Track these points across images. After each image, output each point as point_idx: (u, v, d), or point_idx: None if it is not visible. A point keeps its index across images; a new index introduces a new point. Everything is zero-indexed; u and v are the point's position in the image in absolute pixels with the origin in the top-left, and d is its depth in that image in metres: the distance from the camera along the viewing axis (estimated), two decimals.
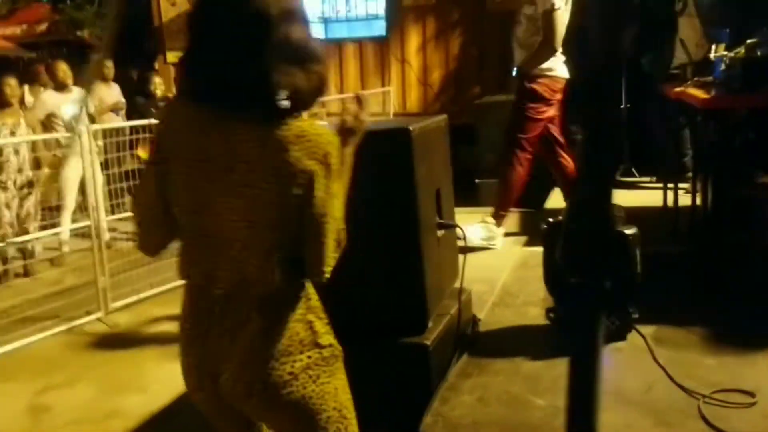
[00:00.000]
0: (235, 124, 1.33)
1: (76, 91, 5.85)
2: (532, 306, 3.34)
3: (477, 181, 5.85)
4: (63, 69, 5.80)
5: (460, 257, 3.08)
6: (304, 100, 1.35)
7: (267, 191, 1.32)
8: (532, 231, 4.68)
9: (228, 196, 1.35)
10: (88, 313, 4.20)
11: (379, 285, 2.60)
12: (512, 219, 5.03)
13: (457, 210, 3.08)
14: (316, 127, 1.36)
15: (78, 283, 4.71)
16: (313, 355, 1.43)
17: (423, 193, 2.65)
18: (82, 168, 4.60)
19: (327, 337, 1.48)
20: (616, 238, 2.88)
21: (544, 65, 4.30)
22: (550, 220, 3.08)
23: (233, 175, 1.33)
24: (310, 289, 1.46)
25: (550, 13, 4.13)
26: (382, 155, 2.53)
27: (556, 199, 5.29)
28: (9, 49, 10.04)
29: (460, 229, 2.92)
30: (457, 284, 3.01)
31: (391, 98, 8.00)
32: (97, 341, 3.92)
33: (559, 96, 4.41)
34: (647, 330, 2.83)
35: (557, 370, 2.58)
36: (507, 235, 4.68)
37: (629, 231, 2.94)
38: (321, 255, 1.38)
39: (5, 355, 3.67)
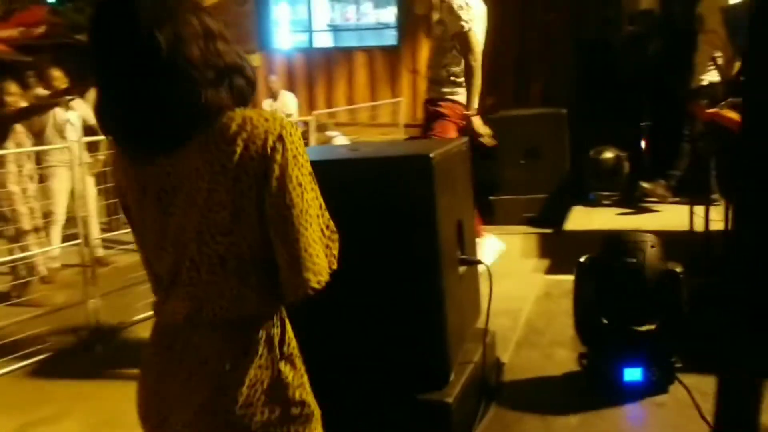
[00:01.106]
0: (177, 141, 1.18)
1: (75, 102, 5.57)
2: (561, 347, 3.06)
3: (492, 197, 5.58)
4: (57, 77, 5.57)
5: (481, 290, 2.83)
6: (238, 96, 1.20)
7: (218, 193, 1.16)
8: (553, 255, 4.42)
9: (181, 215, 1.19)
10: (78, 336, 3.93)
11: (394, 330, 2.33)
12: (530, 241, 4.76)
13: None
14: (263, 112, 1.20)
15: (69, 302, 4.44)
16: (277, 411, 1.22)
17: (444, 226, 2.39)
18: (72, 180, 4.37)
19: (299, 392, 1.26)
20: (665, 276, 2.62)
21: (447, 90, 3.96)
22: (587, 257, 2.78)
23: (183, 187, 1.18)
24: (288, 332, 1.26)
25: (464, 35, 3.78)
26: (399, 184, 2.28)
27: (576, 219, 5.01)
28: (5, 53, 9.75)
29: (485, 266, 2.63)
30: (479, 324, 2.74)
31: (401, 109, 7.74)
32: (87, 369, 3.65)
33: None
34: (691, 380, 2.55)
35: (592, 429, 2.29)
36: (525, 257, 4.41)
37: (677, 267, 2.67)
38: (295, 263, 1.16)
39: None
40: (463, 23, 3.75)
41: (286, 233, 1.15)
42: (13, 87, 5.03)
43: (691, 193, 4.48)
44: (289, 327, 1.27)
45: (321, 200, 1.21)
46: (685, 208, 4.37)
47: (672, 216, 4.71)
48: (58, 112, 5.37)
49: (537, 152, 5.48)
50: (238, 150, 1.14)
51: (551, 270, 4.13)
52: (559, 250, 4.47)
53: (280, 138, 1.15)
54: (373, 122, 7.72)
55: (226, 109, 1.16)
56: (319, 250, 1.17)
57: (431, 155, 2.24)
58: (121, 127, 1.18)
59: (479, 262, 2.69)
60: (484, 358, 2.59)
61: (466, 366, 2.46)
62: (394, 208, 2.28)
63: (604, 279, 2.72)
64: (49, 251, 4.93)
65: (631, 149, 5.35)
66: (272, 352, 1.21)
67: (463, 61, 3.87)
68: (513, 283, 3.87)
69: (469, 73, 3.77)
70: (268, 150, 1.14)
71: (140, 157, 1.19)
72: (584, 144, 5.52)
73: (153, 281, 1.30)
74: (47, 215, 5.10)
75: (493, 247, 4.27)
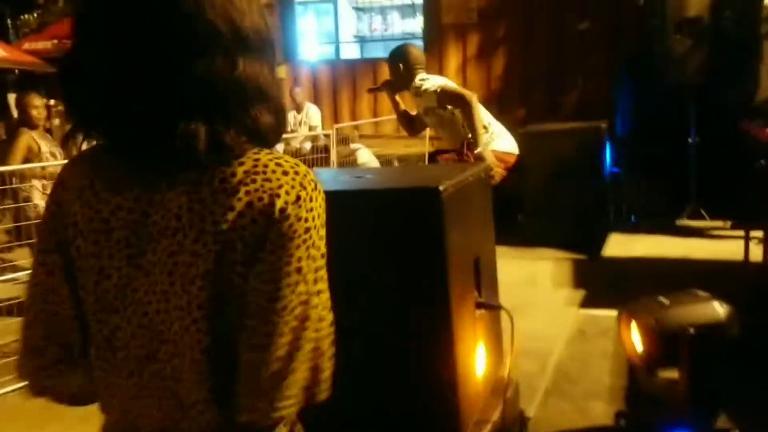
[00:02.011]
0: (160, 174, 0.88)
1: None
2: (597, 399, 2.68)
3: (520, 217, 5.21)
4: None
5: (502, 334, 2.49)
6: (257, 139, 0.88)
7: (201, 259, 0.85)
8: (589, 285, 4.03)
9: (155, 275, 0.87)
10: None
11: (397, 384, 2.02)
12: (562, 267, 4.38)
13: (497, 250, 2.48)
14: (283, 160, 0.88)
15: None
16: None
17: (456, 266, 2.07)
18: None
19: None
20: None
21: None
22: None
23: (160, 241, 0.87)
24: None
25: (443, 92, 3.67)
26: (404, 220, 1.98)
27: (615, 244, 4.61)
28: (37, 65, 9.85)
29: (507, 312, 2.28)
30: (501, 372, 2.40)
31: None
32: None
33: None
34: None
35: None
36: (556, 287, 4.04)
37: (722, 309, 2.29)
38: (253, 381, 0.86)
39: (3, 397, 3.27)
40: (434, 87, 3.69)
41: (259, 332, 0.85)
42: (36, 100, 5.03)
43: (747, 219, 4.04)
44: (299, 428, 0.96)
45: (326, 296, 0.89)
46: (740, 235, 3.94)
47: (724, 244, 4.29)
48: None
49: (571, 169, 5.11)
50: (239, 206, 0.84)
51: (587, 303, 3.74)
52: (596, 279, 4.09)
53: (297, 201, 0.85)
54: (398, 134, 7.43)
55: (239, 147, 0.86)
56: (299, 371, 0.86)
57: (440, 188, 1.91)
58: (112, 117, 0.86)
59: (499, 307, 2.34)
60: (504, 415, 2.25)
61: (482, 426, 2.15)
62: (399, 246, 1.99)
63: None
64: None
65: (677, 169, 4.93)
66: None
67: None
68: (541, 318, 3.50)
69: (468, 115, 3.64)
70: (276, 213, 0.84)
71: (112, 176, 0.89)
72: (624, 161, 5.13)
73: (72, 346, 0.94)
74: None
75: None
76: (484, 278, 2.31)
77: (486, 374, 2.39)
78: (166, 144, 0.84)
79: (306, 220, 0.85)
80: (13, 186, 4.52)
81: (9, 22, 13.43)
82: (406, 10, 8.13)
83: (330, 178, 2.62)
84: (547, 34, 7.00)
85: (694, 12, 4.92)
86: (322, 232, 0.88)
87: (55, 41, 11.47)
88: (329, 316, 0.90)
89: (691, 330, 2.27)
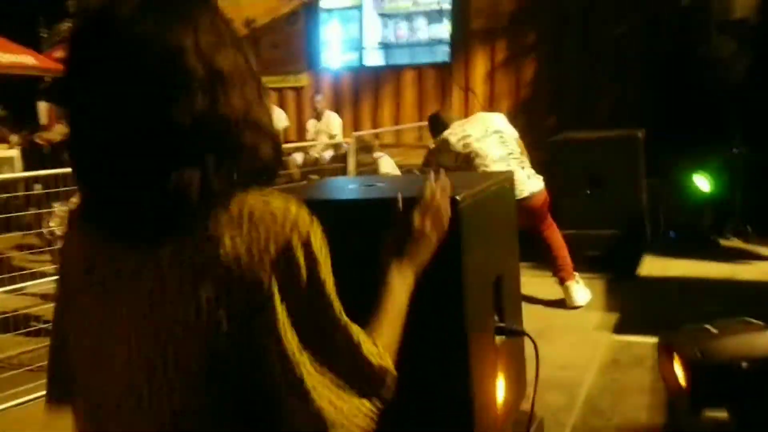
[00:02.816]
0: (143, 228, 0.82)
1: None
2: None
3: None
4: None
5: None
6: (249, 181, 0.82)
7: (189, 322, 0.77)
8: (623, 308, 3.72)
9: (117, 338, 0.82)
10: None
11: (409, 418, 1.76)
12: (594, 288, 4.07)
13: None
14: (275, 198, 0.81)
15: None
16: None
17: (474, 286, 1.82)
18: None
19: None
20: None
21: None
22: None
23: (136, 295, 0.81)
24: None
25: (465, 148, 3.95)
26: None
27: (652, 263, 4.29)
28: (60, 72, 10.08)
29: (530, 339, 2.01)
30: (524, 405, 2.15)
31: None
32: None
33: None
34: None
35: None
36: (587, 309, 3.75)
37: None
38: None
39: (5, 412, 3.17)
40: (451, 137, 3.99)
41: (284, 390, 0.79)
42: (51, 110, 5.02)
43: None
44: None
45: (354, 329, 0.85)
46: None
47: None
48: None
49: (605, 180, 4.80)
50: (223, 258, 0.77)
51: (621, 329, 3.44)
52: (630, 301, 3.79)
53: (287, 249, 0.78)
54: (419, 144, 7.21)
55: (227, 189, 0.80)
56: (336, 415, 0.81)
57: (457, 197, 1.66)
58: (92, 181, 0.84)
59: (522, 332, 2.08)
60: None
61: None
62: None
63: None
64: None
65: (720, 181, 4.59)
66: None
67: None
68: (570, 344, 3.21)
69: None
70: (267, 265, 0.77)
71: (110, 223, 0.83)
72: (662, 172, 4.80)
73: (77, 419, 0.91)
74: None
75: (583, 295, 3.80)
76: (505, 300, 2.05)
77: (506, 408, 2.14)
78: (154, 196, 0.78)
79: (302, 266, 0.79)
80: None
81: (42, 31, 13.75)
82: (433, 16, 7.92)
83: (340, 186, 2.39)
84: (579, 38, 6.71)
85: (740, 13, 4.61)
86: (325, 268, 0.82)
87: None
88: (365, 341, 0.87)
89: (744, 364, 1.99)
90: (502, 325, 2.01)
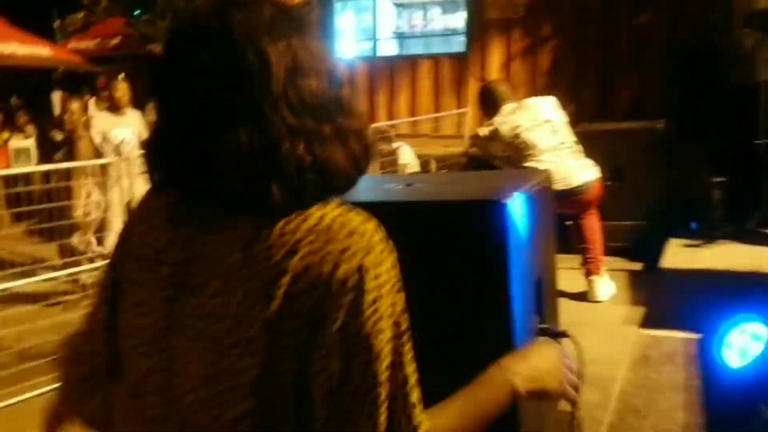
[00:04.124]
0: (216, 218, 0.80)
1: (131, 114, 5.48)
2: None
3: (567, 223, 4.88)
4: (121, 89, 5.41)
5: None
6: (335, 179, 0.81)
7: (247, 326, 0.76)
8: (649, 302, 3.71)
9: (178, 331, 0.80)
10: None
11: None
12: (618, 280, 4.06)
13: None
14: (350, 218, 0.79)
15: None
16: None
17: (520, 290, 1.80)
18: (130, 194, 4.37)
19: None
20: None
21: None
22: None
23: (193, 296, 0.79)
24: None
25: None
26: (463, 236, 1.72)
27: (675, 255, 4.26)
28: (80, 64, 10.04)
29: (572, 339, 2.00)
30: (563, 405, 2.13)
31: (467, 120, 7.14)
32: None
33: None
34: None
35: None
36: (613, 303, 3.74)
37: None
38: None
39: (27, 402, 3.19)
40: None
41: (333, 421, 0.75)
42: (74, 105, 5.06)
43: None
44: None
45: (409, 372, 0.80)
46: None
47: None
48: (114, 125, 5.31)
49: (626, 172, 4.77)
50: (295, 269, 0.75)
51: (648, 322, 3.42)
52: (656, 295, 3.77)
53: (359, 270, 0.76)
54: (436, 134, 7.16)
55: (310, 197, 0.79)
56: None
57: (506, 201, 1.65)
58: (171, 164, 0.83)
59: (564, 334, 2.07)
60: None
61: None
62: (456, 266, 1.73)
63: None
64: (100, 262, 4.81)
65: (743, 173, 4.55)
66: None
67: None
68: (599, 339, 3.19)
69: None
70: (334, 285, 0.75)
71: (181, 211, 0.84)
72: (684, 163, 4.76)
73: (119, 407, 0.88)
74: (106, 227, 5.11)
75: (607, 291, 3.81)
76: (545, 303, 2.04)
77: (547, 407, 2.14)
78: (236, 183, 0.77)
79: (369, 292, 0.76)
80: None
81: (56, 22, 13.72)
82: (448, 5, 7.84)
83: (376, 185, 2.36)
84: (598, 28, 6.63)
85: (765, 3, 4.55)
86: (393, 298, 0.78)
87: (99, 40, 11.73)
88: (405, 390, 0.78)
89: None
90: (544, 327, 2.01)
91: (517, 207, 1.70)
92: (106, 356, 0.90)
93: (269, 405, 0.76)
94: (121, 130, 5.28)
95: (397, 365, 0.78)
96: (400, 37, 8.27)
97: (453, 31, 7.65)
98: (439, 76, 7.58)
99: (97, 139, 5.25)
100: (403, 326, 0.80)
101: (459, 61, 7.45)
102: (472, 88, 7.38)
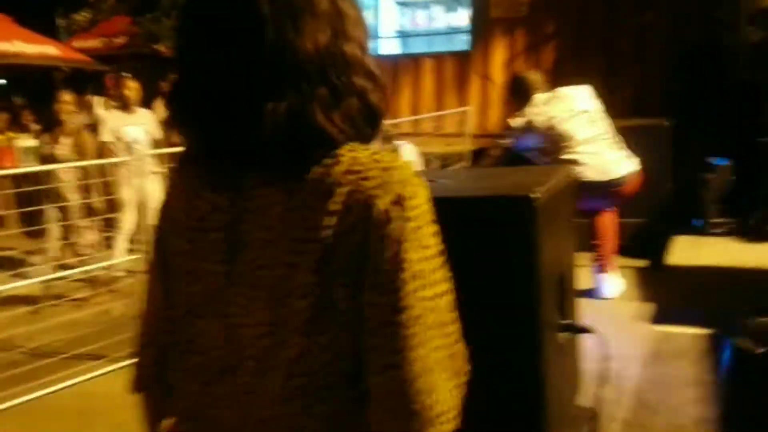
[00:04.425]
0: (253, 175, 0.84)
1: (142, 113, 5.48)
2: None
3: (574, 221, 4.90)
4: (131, 87, 5.39)
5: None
6: (357, 127, 0.84)
7: (298, 271, 0.79)
8: (658, 298, 3.73)
9: (239, 286, 0.84)
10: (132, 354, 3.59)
11: (480, 415, 1.77)
12: (626, 277, 4.08)
13: None
14: (382, 156, 0.82)
15: (127, 312, 4.10)
16: None
17: (545, 285, 1.82)
18: (141, 192, 4.42)
19: None
20: None
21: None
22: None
23: (248, 251, 0.83)
24: None
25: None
26: (490, 232, 1.73)
27: (680, 252, 4.28)
28: (86, 63, 10.01)
29: (598, 334, 2.02)
30: (581, 401, 2.17)
31: (469, 119, 7.16)
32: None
33: None
34: None
35: None
36: (623, 299, 3.75)
37: None
38: (396, 400, 0.78)
39: (39, 400, 3.17)
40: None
41: (387, 349, 0.78)
42: (67, 96, 5.03)
43: None
44: None
45: (452, 296, 0.83)
46: None
47: None
48: (125, 123, 5.30)
49: None
50: (336, 210, 0.79)
51: (658, 319, 3.45)
52: (664, 291, 3.79)
53: (399, 200, 0.79)
54: (438, 132, 7.17)
55: (334, 144, 0.81)
56: (440, 382, 0.79)
57: (533, 196, 1.66)
58: (198, 123, 0.85)
59: (586, 329, 2.09)
60: None
61: None
62: (484, 261, 1.74)
63: None
64: (111, 260, 4.82)
65: (748, 168, 4.58)
66: None
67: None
68: (610, 335, 3.19)
69: None
70: (377, 217, 0.78)
71: (213, 177, 0.86)
72: (688, 161, 4.79)
73: (174, 365, 0.93)
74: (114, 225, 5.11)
75: (615, 289, 3.81)
76: (567, 299, 2.06)
77: (567, 401, 2.15)
78: (261, 134, 0.79)
79: (411, 220, 0.79)
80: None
81: (60, 21, 13.62)
82: (451, 4, 7.86)
83: None
84: (601, 26, 6.64)
85: None
86: (432, 228, 0.82)
87: (105, 39, 11.67)
88: (454, 318, 0.83)
89: None
90: (566, 322, 2.02)
91: (542, 202, 1.71)
92: (170, 334, 0.93)
93: (326, 342, 0.80)
94: (133, 128, 5.29)
95: (445, 292, 0.82)
96: (403, 35, 8.28)
97: (456, 29, 7.67)
98: (442, 74, 7.59)
99: (109, 138, 5.23)
100: (443, 255, 0.84)
101: (462, 59, 7.45)
102: (475, 87, 7.40)
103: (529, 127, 3.79)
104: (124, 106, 5.37)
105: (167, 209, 0.93)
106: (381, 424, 0.79)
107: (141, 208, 4.67)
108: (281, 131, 0.79)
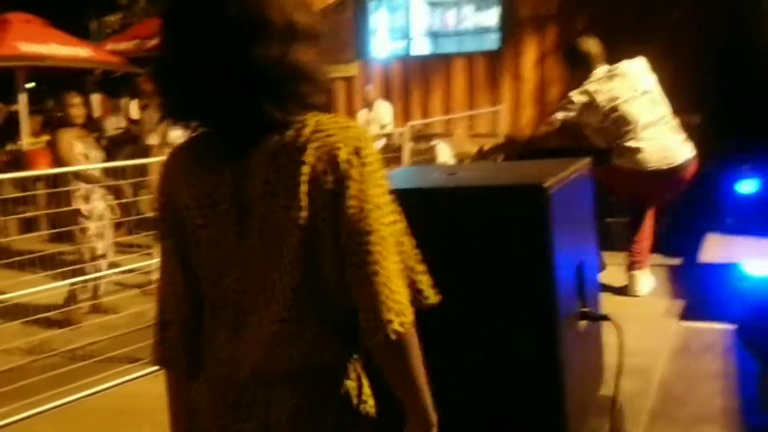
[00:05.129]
0: (243, 149, 1.05)
1: None
2: (708, 423, 2.41)
3: (608, 220, 4.87)
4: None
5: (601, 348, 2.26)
6: (315, 85, 1.05)
7: (289, 219, 1.02)
8: (688, 295, 3.69)
9: (250, 238, 1.05)
10: None
11: (499, 402, 1.84)
12: (657, 274, 4.04)
13: None
14: (339, 119, 1.06)
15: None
16: None
17: (562, 273, 1.85)
18: None
19: None
20: None
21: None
22: None
23: (253, 208, 1.04)
24: (365, 388, 1.11)
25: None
26: (505, 221, 1.78)
27: (713, 249, 4.23)
28: (119, 65, 10.05)
29: (615, 323, 2.05)
30: (604, 391, 2.19)
31: (502, 118, 7.16)
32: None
33: None
34: None
35: None
36: (653, 296, 3.73)
37: None
38: (374, 301, 0.99)
39: (78, 402, 3.18)
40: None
41: (362, 265, 0.99)
42: (75, 98, 4.80)
43: None
44: (366, 383, 1.11)
45: (403, 224, 1.07)
46: None
47: None
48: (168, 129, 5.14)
49: None
50: (310, 161, 1.01)
51: (688, 315, 3.41)
52: (695, 288, 3.75)
53: (356, 151, 1.02)
54: (471, 132, 7.19)
55: (297, 112, 1.03)
56: (400, 285, 1.01)
57: (545, 185, 1.70)
58: (188, 105, 1.05)
59: (605, 317, 2.11)
60: None
61: None
62: (500, 249, 1.81)
63: None
64: (150, 264, 4.67)
65: None
66: (348, 411, 1.07)
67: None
68: (640, 331, 3.20)
69: None
70: (342, 164, 1.01)
71: (209, 158, 1.06)
72: (718, 157, 4.71)
73: (187, 319, 1.11)
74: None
75: (646, 286, 3.74)
76: (587, 287, 2.08)
77: (590, 391, 2.17)
78: (244, 118, 1.02)
79: (367, 165, 1.01)
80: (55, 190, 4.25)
81: (92, 23, 13.76)
82: (481, 3, 7.87)
83: (421, 175, 2.43)
84: (631, 23, 6.57)
85: None
86: (383, 173, 1.04)
87: (137, 41, 11.70)
88: (410, 239, 1.07)
89: None
90: (585, 310, 2.05)
91: (555, 191, 1.75)
92: (191, 307, 1.10)
93: (313, 258, 1.02)
94: (179, 132, 5.33)
95: (398, 221, 1.05)
96: (434, 35, 8.32)
97: (486, 29, 7.67)
98: (473, 73, 7.61)
99: (155, 141, 5.16)
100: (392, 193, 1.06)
101: (493, 58, 7.46)
102: (507, 86, 7.40)
103: (590, 104, 3.47)
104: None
105: (172, 201, 1.09)
106: (365, 321, 0.99)
107: None
108: (260, 119, 1.01)
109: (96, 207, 4.46)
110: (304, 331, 1.03)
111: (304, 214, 1.00)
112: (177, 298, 1.11)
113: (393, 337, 0.98)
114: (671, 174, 3.60)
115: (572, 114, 3.56)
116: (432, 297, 1.07)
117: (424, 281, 1.08)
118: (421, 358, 1.02)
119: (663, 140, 3.59)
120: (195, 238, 1.08)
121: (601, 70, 3.59)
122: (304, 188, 0.99)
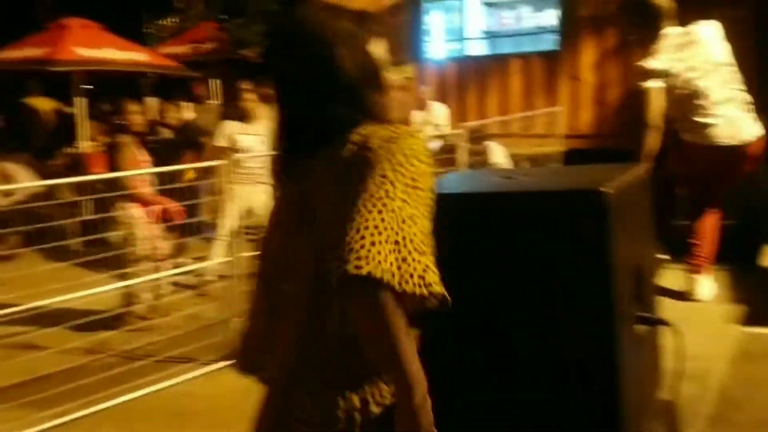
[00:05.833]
0: (311, 162, 1.22)
1: (261, 123, 5.28)
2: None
3: (672, 223, 4.79)
4: (249, 98, 5.33)
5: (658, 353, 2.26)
6: (370, 110, 1.23)
7: (344, 205, 1.12)
8: (751, 300, 3.63)
9: (305, 234, 1.22)
10: (224, 357, 3.76)
11: (554, 407, 1.87)
12: (719, 279, 3.98)
13: None
14: (396, 129, 1.18)
15: (213, 317, 4.30)
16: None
17: (620, 277, 1.88)
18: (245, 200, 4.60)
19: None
20: None
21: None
22: None
23: (318, 210, 1.20)
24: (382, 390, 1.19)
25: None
26: (564, 225, 1.82)
27: None
28: (175, 69, 10.19)
29: (673, 327, 2.06)
30: (662, 395, 2.20)
31: (560, 119, 7.10)
32: (236, 391, 3.48)
33: None
34: None
35: None
36: (714, 301, 3.68)
37: None
38: (342, 242, 1.05)
39: (134, 402, 3.30)
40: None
41: (350, 215, 1.07)
42: (133, 106, 4.98)
43: None
44: (384, 386, 1.17)
45: (420, 212, 1.09)
46: None
47: None
48: (242, 132, 5.30)
49: None
50: (354, 159, 1.15)
51: (750, 320, 3.37)
52: (756, 293, 3.69)
53: (390, 140, 1.14)
54: (527, 132, 7.16)
55: (355, 124, 1.18)
56: (381, 241, 1.02)
57: (605, 190, 1.75)
58: (285, 127, 1.26)
59: (663, 321, 2.13)
60: None
61: None
62: (558, 254, 1.84)
63: None
64: (204, 265, 4.87)
65: None
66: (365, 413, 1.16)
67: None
68: (699, 335, 3.16)
69: None
70: (372, 153, 1.13)
71: (290, 171, 1.25)
72: None
73: (256, 321, 1.31)
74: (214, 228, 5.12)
75: (707, 291, 3.69)
76: (644, 291, 2.11)
77: (648, 396, 2.19)
78: (310, 133, 1.22)
79: (397, 154, 1.13)
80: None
81: (148, 27, 13.91)
82: (539, 4, 7.83)
83: (478, 178, 2.50)
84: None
85: None
86: (413, 169, 1.12)
87: (192, 45, 11.85)
88: (424, 227, 1.09)
89: None
90: (643, 314, 2.07)
91: (615, 196, 1.78)
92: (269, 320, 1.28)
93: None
94: (248, 137, 5.23)
95: (417, 214, 1.11)
96: (490, 36, 8.31)
97: (544, 29, 7.62)
98: (530, 74, 7.56)
99: (223, 144, 5.22)
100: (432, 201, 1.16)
101: (550, 59, 7.40)
102: (565, 87, 7.33)
103: (665, 74, 3.28)
104: (242, 116, 5.32)
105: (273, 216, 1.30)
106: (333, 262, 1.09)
107: (242, 215, 4.78)
108: (325, 134, 1.19)
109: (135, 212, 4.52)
110: (332, 317, 1.16)
111: (354, 207, 1.11)
112: (260, 311, 1.35)
113: (344, 281, 1.00)
114: (740, 151, 3.45)
115: (649, 83, 3.33)
116: (417, 288, 1.03)
117: (424, 269, 1.04)
118: (400, 327, 1.01)
119: (734, 117, 3.46)
120: (269, 241, 1.29)
121: (672, 31, 3.32)
122: (351, 187, 1.12)
